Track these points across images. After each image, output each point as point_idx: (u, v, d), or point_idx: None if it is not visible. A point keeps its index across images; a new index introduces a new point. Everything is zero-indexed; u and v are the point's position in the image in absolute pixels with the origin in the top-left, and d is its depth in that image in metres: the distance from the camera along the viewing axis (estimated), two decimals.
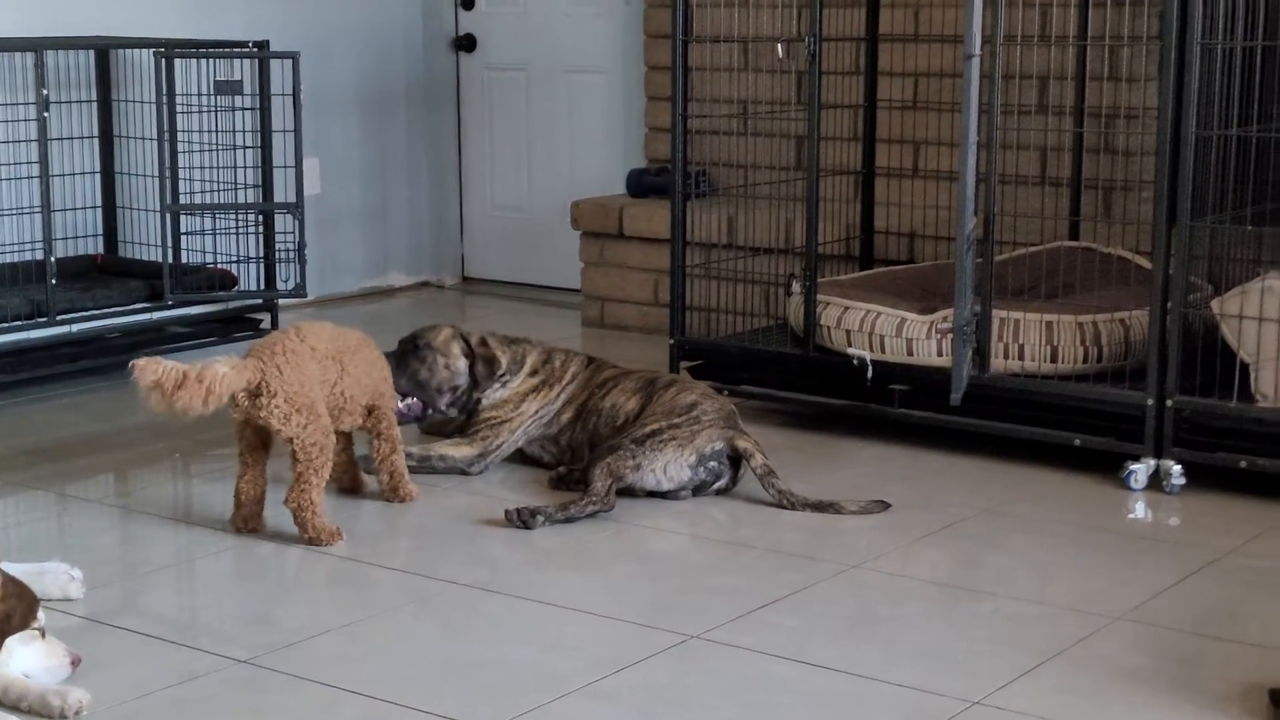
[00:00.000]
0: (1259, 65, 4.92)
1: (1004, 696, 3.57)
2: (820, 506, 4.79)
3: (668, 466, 4.84)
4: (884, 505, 4.82)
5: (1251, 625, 4.08)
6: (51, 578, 4.07)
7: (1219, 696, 3.56)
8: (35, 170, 6.07)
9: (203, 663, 3.74)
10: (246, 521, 4.60)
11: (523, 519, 4.62)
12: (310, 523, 4.47)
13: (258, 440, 4.55)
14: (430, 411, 5.22)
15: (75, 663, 3.59)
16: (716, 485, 4.93)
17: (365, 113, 8.18)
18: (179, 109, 6.52)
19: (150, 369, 4.25)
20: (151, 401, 4.29)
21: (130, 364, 4.28)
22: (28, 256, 6.26)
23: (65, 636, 3.68)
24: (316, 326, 4.66)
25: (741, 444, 4.90)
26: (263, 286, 6.76)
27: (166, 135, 6.38)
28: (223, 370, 4.34)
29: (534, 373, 5.23)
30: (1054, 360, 5.25)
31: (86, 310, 6.24)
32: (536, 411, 5.17)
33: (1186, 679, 3.66)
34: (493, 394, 5.18)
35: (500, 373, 5.20)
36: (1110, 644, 3.85)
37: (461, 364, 5.20)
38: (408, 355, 5.19)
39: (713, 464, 4.89)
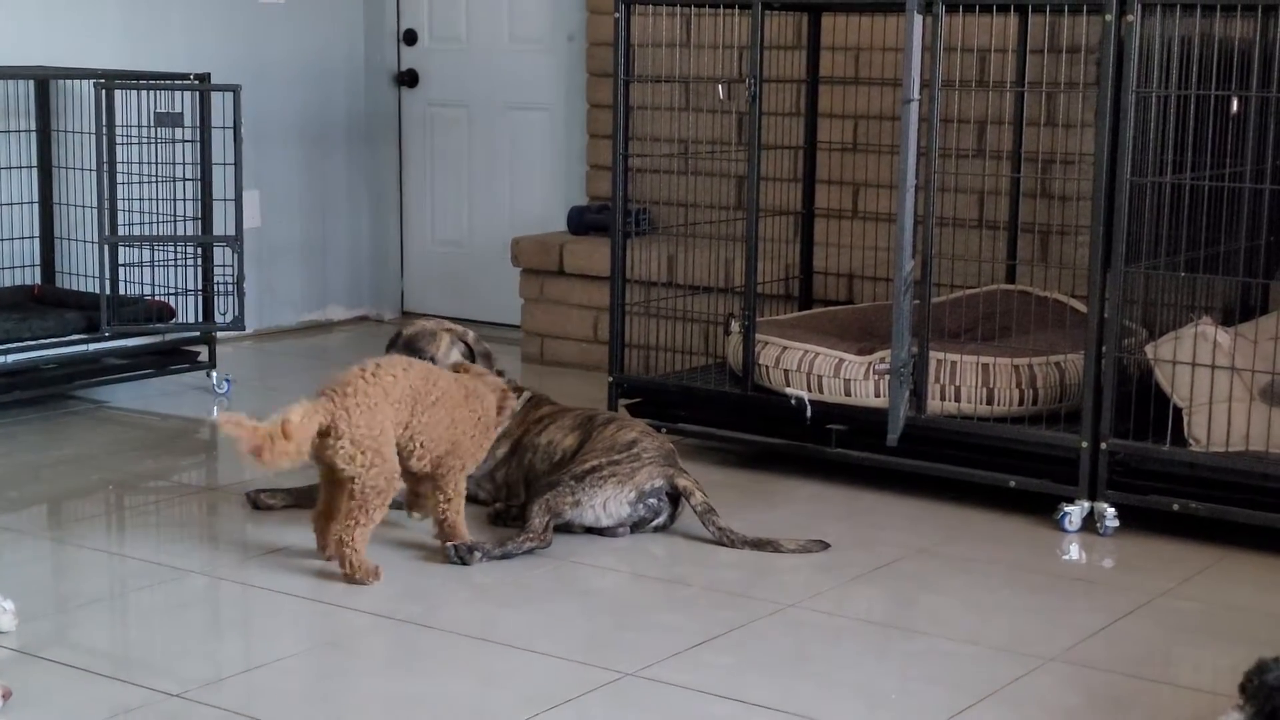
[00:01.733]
0: (1193, 113, 4.98)
1: None
2: (760, 544, 4.81)
3: (607, 503, 4.85)
4: (823, 545, 4.83)
5: (1183, 667, 4.12)
6: None
7: None
8: None
9: (134, 696, 3.71)
10: (328, 549, 4.65)
11: (460, 555, 4.61)
12: (349, 559, 4.47)
13: (331, 473, 4.56)
14: None
15: (6, 695, 3.56)
16: (655, 522, 4.93)
17: (306, 146, 8.17)
18: (119, 140, 6.49)
19: (241, 437, 4.26)
20: (247, 459, 4.33)
21: (213, 424, 4.30)
22: None
23: None
24: (398, 365, 4.64)
25: (681, 482, 4.91)
26: (201, 319, 6.73)
27: (106, 166, 6.35)
28: (297, 418, 4.34)
29: None
30: (990, 402, 5.29)
31: (22, 341, 6.20)
32: None
33: None
34: None
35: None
36: (1043, 685, 3.87)
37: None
38: None
39: (652, 500, 4.90)
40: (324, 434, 4.44)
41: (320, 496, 4.63)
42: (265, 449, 4.26)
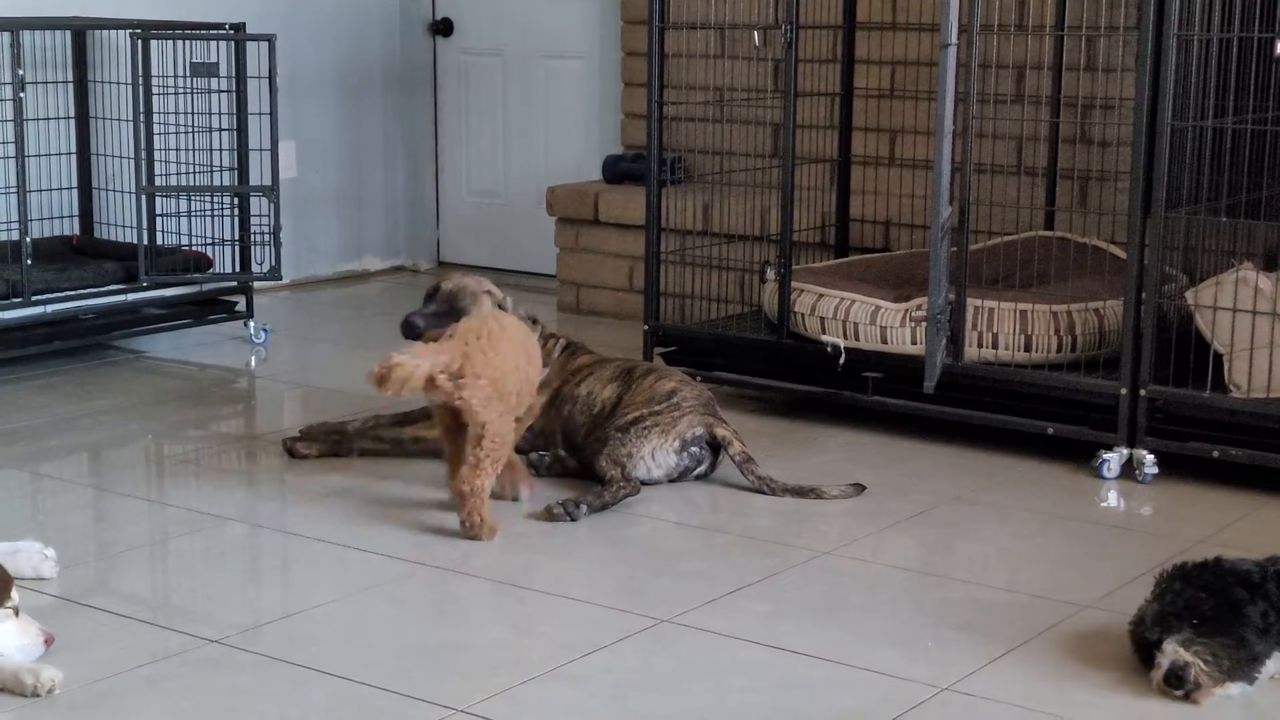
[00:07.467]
0: (1236, 56, 4.93)
1: (973, 683, 3.58)
2: (800, 492, 4.80)
3: (655, 452, 4.84)
4: (860, 488, 4.83)
5: None
6: (25, 557, 4.06)
7: None
8: (11, 150, 6.03)
9: (174, 642, 3.74)
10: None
11: (568, 511, 4.57)
12: (477, 510, 4.41)
13: (453, 422, 4.51)
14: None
15: (48, 642, 3.58)
16: (698, 471, 4.92)
17: (341, 96, 8.17)
18: (155, 90, 6.51)
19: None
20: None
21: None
22: (3, 237, 6.23)
23: (39, 615, 3.67)
24: (508, 318, 4.68)
25: (720, 432, 4.90)
26: (238, 269, 6.75)
27: (142, 117, 6.37)
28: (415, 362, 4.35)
29: None
30: (1028, 349, 5.27)
31: (61, 291, 6.22)
32: None
33: None
34: None
35: None
36: (1079, 632, 3.86)
37: None
38: (444, 316, 5.02)
39: (694, 449, 4.88)
40: (458, 375, 4.40)
41: (447, 452, 4.58)
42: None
